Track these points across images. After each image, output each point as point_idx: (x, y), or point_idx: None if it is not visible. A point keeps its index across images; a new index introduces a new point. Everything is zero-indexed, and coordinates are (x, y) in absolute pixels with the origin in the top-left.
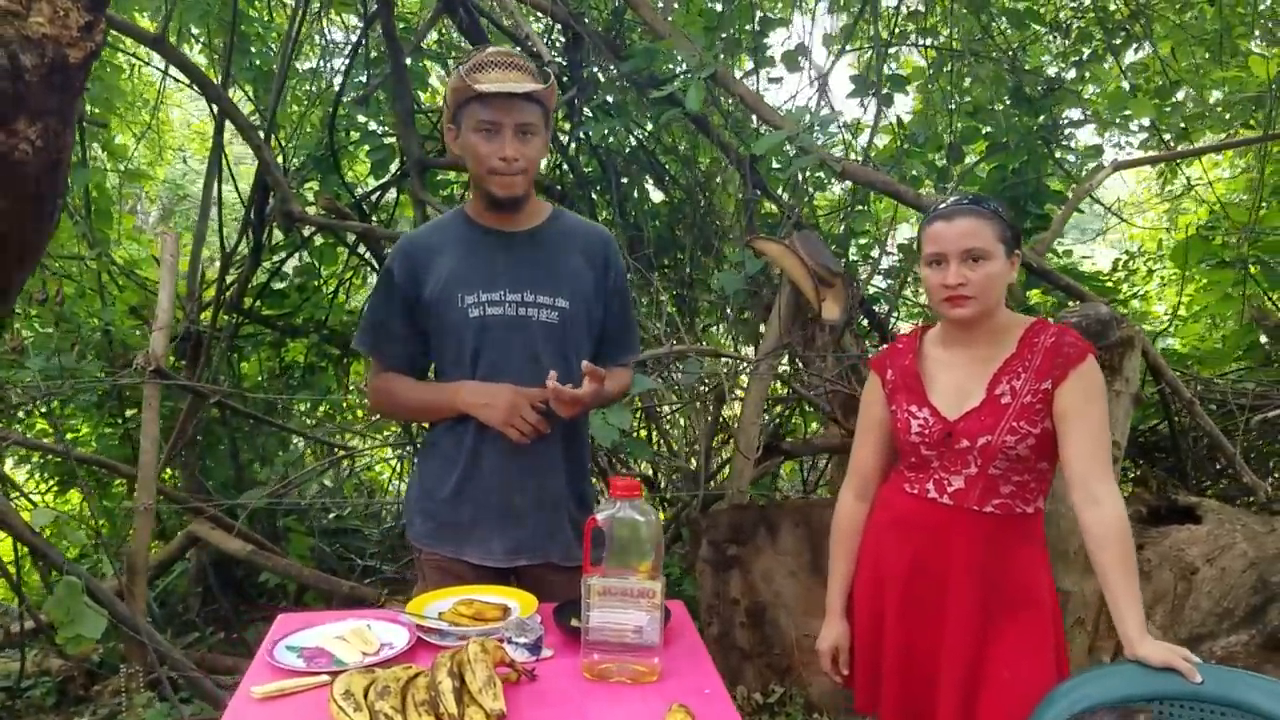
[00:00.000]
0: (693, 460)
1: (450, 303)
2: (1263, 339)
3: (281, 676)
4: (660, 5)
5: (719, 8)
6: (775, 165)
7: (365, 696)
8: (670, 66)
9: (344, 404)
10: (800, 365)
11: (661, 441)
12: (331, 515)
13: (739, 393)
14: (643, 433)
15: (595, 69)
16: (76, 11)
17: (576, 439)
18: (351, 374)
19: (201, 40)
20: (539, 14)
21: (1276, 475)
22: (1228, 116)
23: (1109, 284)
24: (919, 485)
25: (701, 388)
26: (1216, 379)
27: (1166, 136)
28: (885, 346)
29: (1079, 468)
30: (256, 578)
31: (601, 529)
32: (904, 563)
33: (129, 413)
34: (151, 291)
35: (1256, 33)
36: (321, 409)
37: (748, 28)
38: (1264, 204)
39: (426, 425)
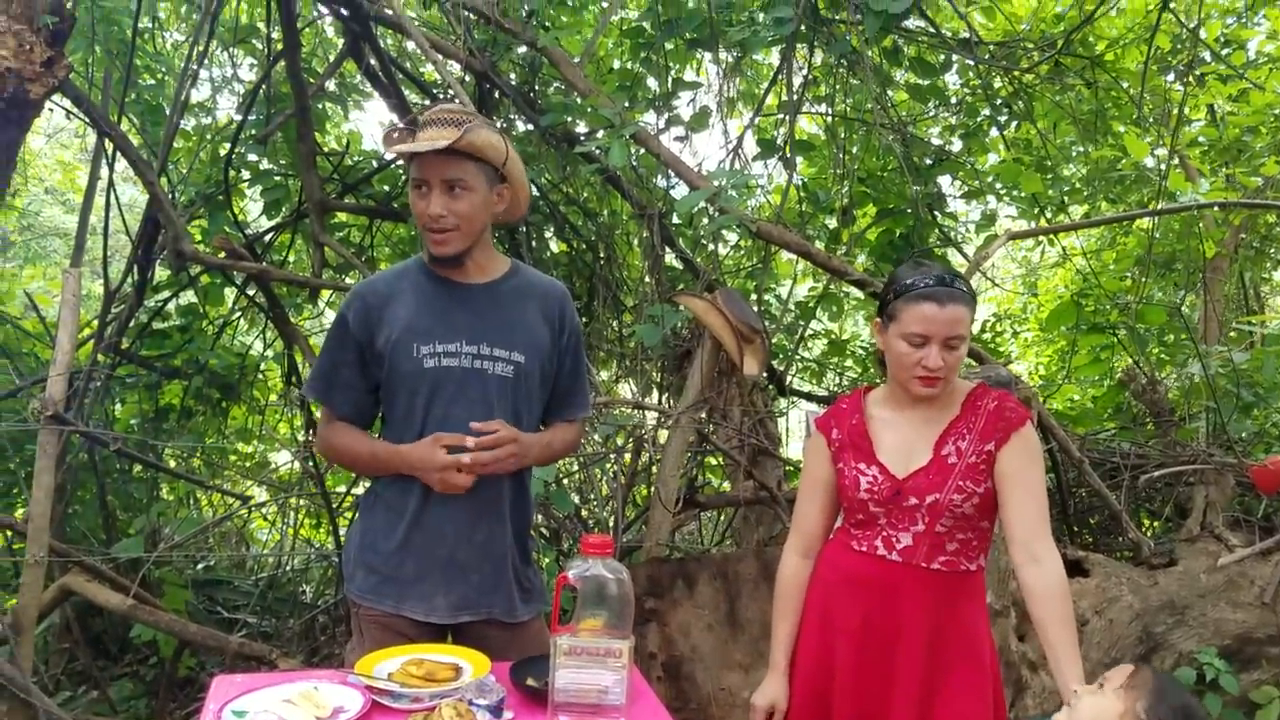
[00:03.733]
0: (608, 513)
1: (405, 352)
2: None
3: None
4: (575, 61)
5: (631, 66)
6: (676, 221)
7: None
8: (575, 122)
9: (229, 450)
10: (717, 419)
11: (577, 493)
12: (200, 565)
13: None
14: (564, 483)
15: (510, 120)
16: (40, 46)
17: (522, 491)
18: (229, 419)
19: (81, 72)
20: (453, 64)
21: (1154, 531)
22: (1086, 193)
23: (989, 345)
24: (867, 543)
25: (619, 440)
26: (1089, 436)
27: (1046, 209)
28: (829, 408)
29: (1021, 528)
30: (118, 632)
31: (573, 586)
32: (856, 619)
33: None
34: (17, 328)
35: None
36: (197, 457)
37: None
38: (1131, 274)
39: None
